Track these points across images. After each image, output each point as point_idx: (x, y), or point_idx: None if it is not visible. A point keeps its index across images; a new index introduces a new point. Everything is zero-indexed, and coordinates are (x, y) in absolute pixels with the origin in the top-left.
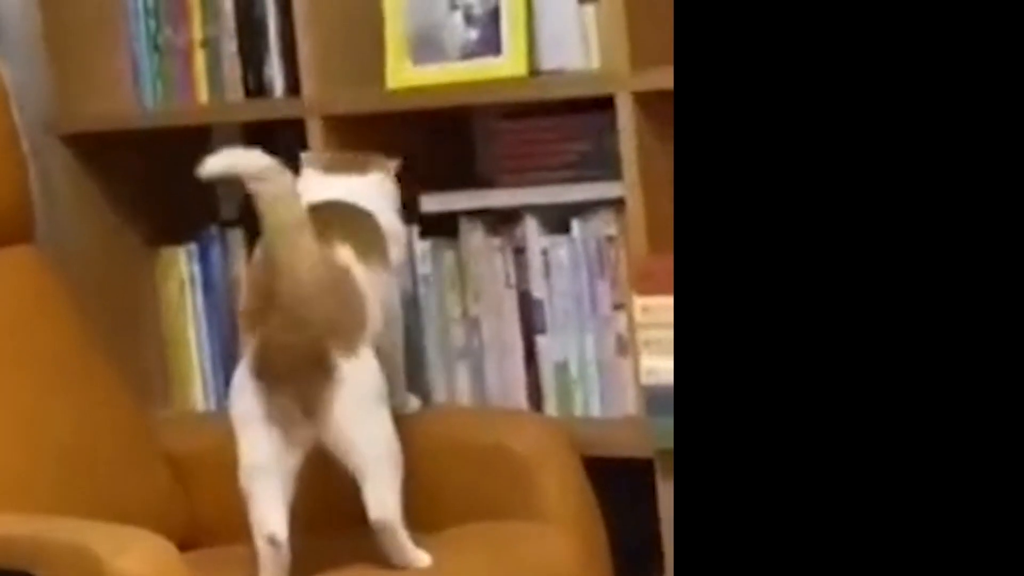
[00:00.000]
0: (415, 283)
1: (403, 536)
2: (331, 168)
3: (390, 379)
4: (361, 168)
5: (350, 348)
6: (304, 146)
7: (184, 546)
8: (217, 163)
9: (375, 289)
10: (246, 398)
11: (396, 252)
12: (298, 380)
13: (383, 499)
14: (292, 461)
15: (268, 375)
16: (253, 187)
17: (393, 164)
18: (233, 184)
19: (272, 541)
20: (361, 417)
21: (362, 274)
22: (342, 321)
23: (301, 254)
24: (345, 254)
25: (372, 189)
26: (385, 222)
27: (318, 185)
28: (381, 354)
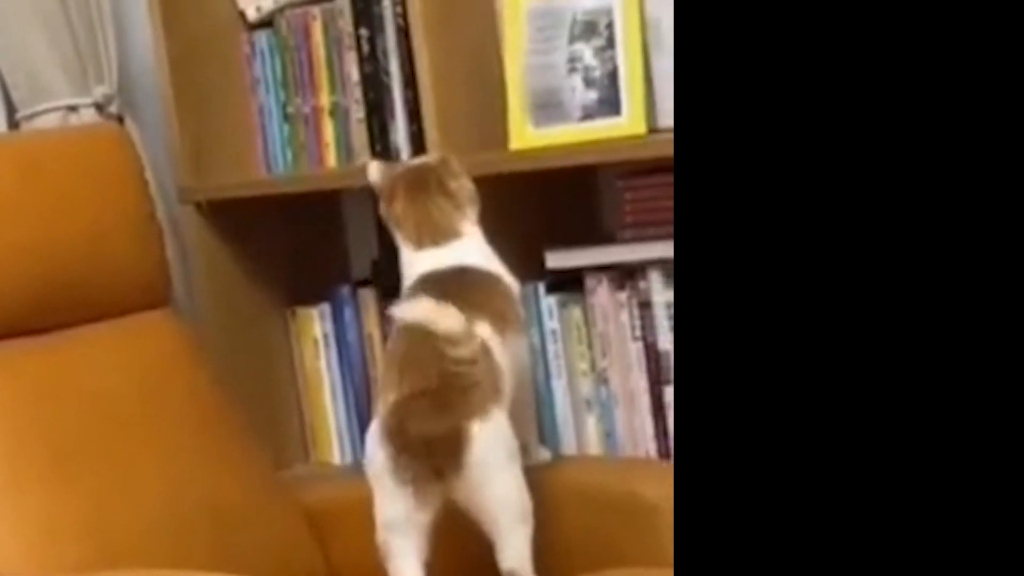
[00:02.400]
0: (543, 338)
1: None
2: (421, 244)
3: (522, 433)
4: (452, 231)
5: (483, 415)
6: None
7: None
8: (411, 312)
9: (510, 358)
10: (378, 459)
11: (522, 310)
12: (430, 447)
13: (515, 553)
14: (425, 519)
15: (399, 441)
16: (442, 348)
17: (456, 183)
18: (364, 245)
19: None
20: (492, 477)
21: (498, 347)
22: (479, 399)
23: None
24: (483, 329)
25: (476, 246)
26: (512, 283)
27: (422, 262)
28: (513, 411)
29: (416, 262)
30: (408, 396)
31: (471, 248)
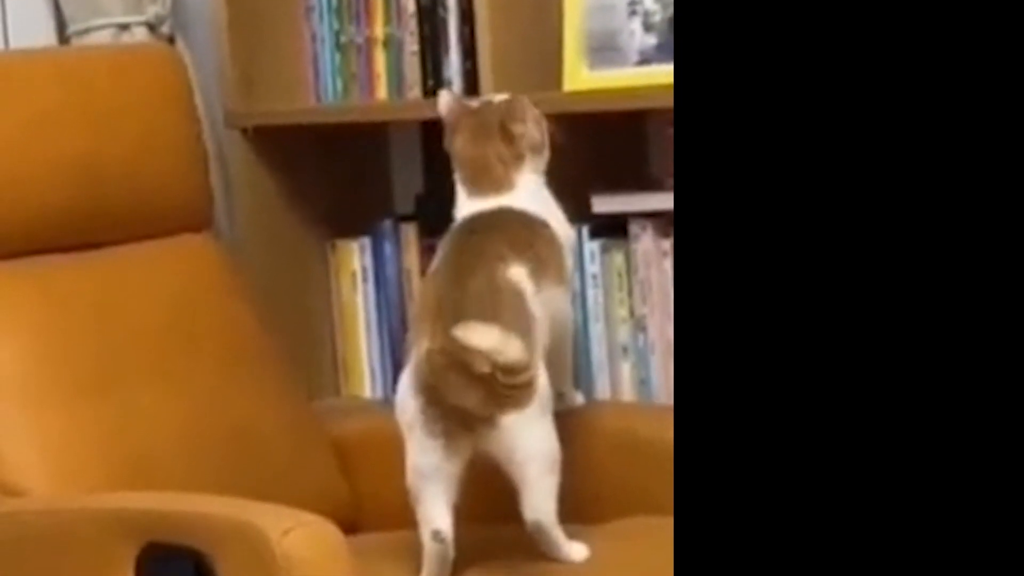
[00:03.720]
0: (583, 282)
1: (558, 535)
2: (476, 192)
3: (557, 380)
4: (506, 181)
5: None
6: None
7: (347, 530)
8: (475, 339)
9: (547, 307)
10: (409, 409)
11: (570, 261)
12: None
13: (539, 504)
14: (454, 468)
15: (431, 394)
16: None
17: (522, 127)
18: (408, 180)
19: (437, 537)
20: (523, 431)
21: (533, 295)
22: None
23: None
24: (518, 274)
25: (528, 194)
26: (560, 231)
27: (478, 207)
28: (549, 358)
29: (466, 206)
30: (445, 356)
31: (522, 197)
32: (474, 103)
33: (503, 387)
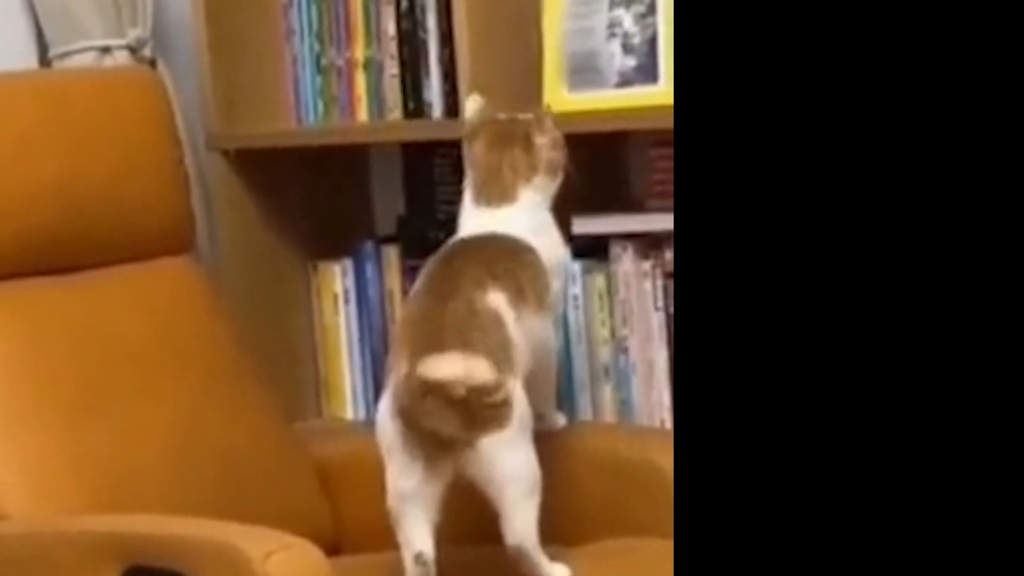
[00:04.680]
0: (564, 303)
1: (540, 558)
2: (481, 199)
3: (539, 403)
4: (511, 193)
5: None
6: (461, 166)
7: (329, 552)
8: (439, 371)
9: (527, 334)
10: (389, 431)
11: (557, 285)
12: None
13: (520, 528)
14: (435, 490)
15: (410, 420)
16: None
17: (545, 138)
18: (389, 201)
19: (420, 560)
20: (503, 454)
21: (512, 321)
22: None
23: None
24: (497, 299)
25: (527, 213)
26: (548, 258)
27: (473, 219)
28: (530, 383)
29: (467, 217)
30: (424, 383)
31: (520, 215)
32: (501, 115)
33: (479, 407)
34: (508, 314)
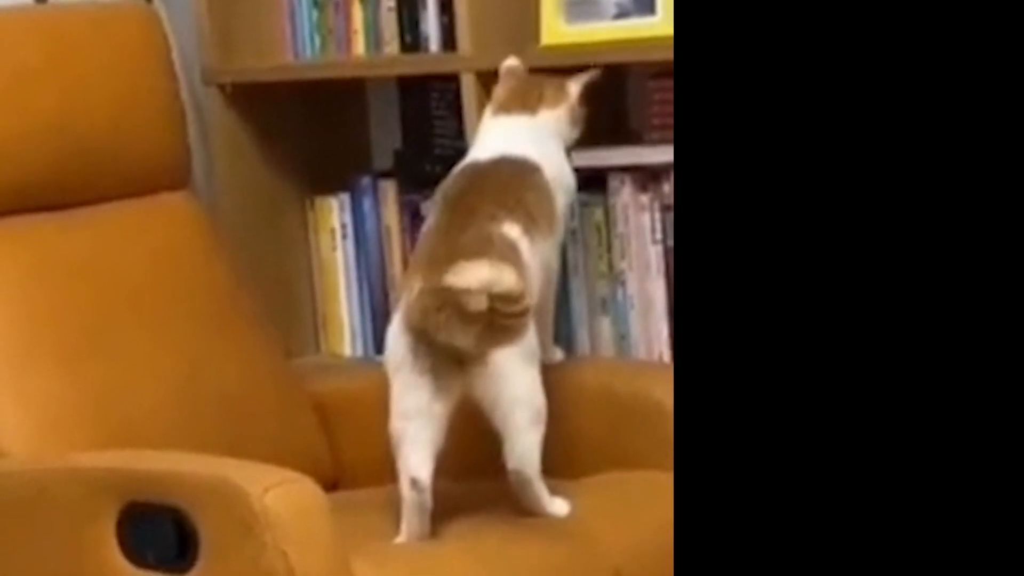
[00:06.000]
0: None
1: (540, 488)
2: (502, 108)
3: (540, 334)
4: (532, 106)
5: None
6: (458, 100)
7: (327, 487)
8: (468, 279)
9: (538, 258)
10: (399, 347)
11: (562, 201)
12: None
13: (523, 453)
14: (442, 409)
15: (421, 331)
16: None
17: (577, 87)
18: (386, 136)
19: (415, 485)
20: (511, 375)
21: (527, 248)
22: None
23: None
24: (511, 230)
25: (541, 132)
26: (553, 175)
27: (488, 131)
28: (534, 311)
29: (484, 132)
30: (437, 295)
31: (534, 131)
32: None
33: (501, 317)
34: (523, 242)
